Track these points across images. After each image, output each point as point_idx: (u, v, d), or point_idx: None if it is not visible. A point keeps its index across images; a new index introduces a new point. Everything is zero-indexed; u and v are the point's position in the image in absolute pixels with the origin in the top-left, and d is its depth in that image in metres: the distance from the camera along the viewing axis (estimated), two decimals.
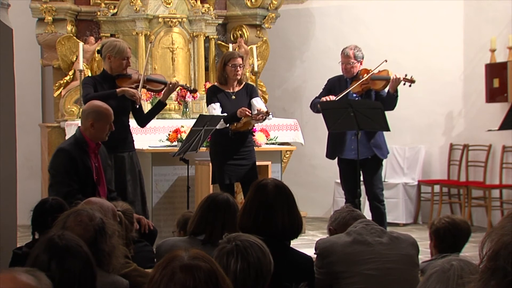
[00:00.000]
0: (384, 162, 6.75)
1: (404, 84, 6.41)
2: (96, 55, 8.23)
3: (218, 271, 1.98)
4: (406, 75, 6.39)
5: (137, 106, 6.00)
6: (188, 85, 6.79)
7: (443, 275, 2.06)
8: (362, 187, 6.55)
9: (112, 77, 5.91)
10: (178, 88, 6.86)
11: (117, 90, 5.81)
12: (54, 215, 3.08)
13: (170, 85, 6.19)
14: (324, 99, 6.45)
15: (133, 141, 5.99)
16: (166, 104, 6.31)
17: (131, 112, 6.05)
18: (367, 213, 6.81)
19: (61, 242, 2.43)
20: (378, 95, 6.49)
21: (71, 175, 4.89)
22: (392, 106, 6.48)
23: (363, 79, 6.47)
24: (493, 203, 8.51)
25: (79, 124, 5.21)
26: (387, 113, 6.24)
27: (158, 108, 6.23)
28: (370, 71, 6.51)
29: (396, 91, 6.42)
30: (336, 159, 6.68)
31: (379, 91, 6.49)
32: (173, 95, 8.32)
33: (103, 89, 5.84)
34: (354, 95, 6.53)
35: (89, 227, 2.90)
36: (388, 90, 6.42)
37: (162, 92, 6.25)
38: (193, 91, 6.98)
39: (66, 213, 2.99)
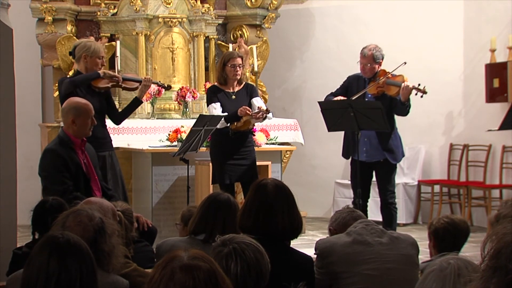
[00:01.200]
0: None
1: (416, 94, 6.30)
2: None
3: (217, 271, 1.98)
4: (419, 85, 6.27)
5: (122, 85, 6.08)
6: (162, 82, 6.83)
7: (440, 273, 2.06)
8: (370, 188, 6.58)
9: None
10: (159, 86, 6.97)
11: (100, 71, 5.88)
12: (54, 215, 3.08)
13: (145, 81, 6.21)
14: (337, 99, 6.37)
15: (111, 140, 6.02)
16: (142, 102, 6.33)
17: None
18: (371, 213, 6.80)
19: (62, 239, 2.43)
20: (393, 99, 6.42)
21: (63, 172, 4.91)
22: (403, 114, 6.42)
23: (379, 81, 6.42)
24: (493, 203, 8.50)
25: (61, 124, 5.23)
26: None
27: (134, 105, 6.24)
28: (388, 74, 6.45)
29: (408, 100, 6.32)
30: (350, 158, 6.64)
31: (393, 96, 6.41)
32: (173, 95, 8.32)
33: (79, 89, 5.83)
34: (370, 95, 6.48)
35: (89, 227, 2.89)
36: (400, 98, 6.34)
37: (139, 89, 6.25)
38: (167, 88, 6.99)
39: (65, 213, 2.99)
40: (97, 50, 5.93)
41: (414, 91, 6.28)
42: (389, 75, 6.44)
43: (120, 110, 6.45)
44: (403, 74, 6.45)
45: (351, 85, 6.58)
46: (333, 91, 6.67)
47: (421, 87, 6.26)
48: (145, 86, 6.22)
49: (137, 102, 6.22)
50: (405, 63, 6.40)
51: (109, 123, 6.18)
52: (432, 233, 3.99)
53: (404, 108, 6.36)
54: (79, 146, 5.06)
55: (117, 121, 6.24)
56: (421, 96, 6.31)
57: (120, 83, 6.07)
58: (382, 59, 6.58)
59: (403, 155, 6.65)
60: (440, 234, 3.96)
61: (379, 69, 6.53)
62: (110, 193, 5.19)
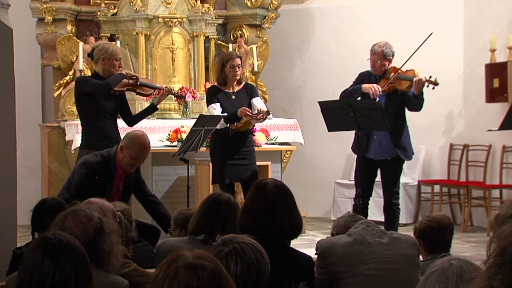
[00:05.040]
0: None
1: (428, 86, 6.27)
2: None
3: (222, 271, 1.99)
4: (430, 77, 6.25)
5: (136, 90, 6.23)
6: (177, 93, 6.95)
7: (442, 274, 2.05)
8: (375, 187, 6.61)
9: (104, 79, 6.00)
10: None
11: (123, 72, 6.06)
12: (53, 216, 3.08)
13: (166, 91, 6.35)
14: (372, 89, 6.32)
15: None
16: (157, 109, 6.44)
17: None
18: (371, 213, 6.79)
19: (54, 239, 2.43)
20: (405, 95, 6.40)
21: (82, 189, 4.94)
22: (417, 108, 6.39)
23: (390, 78, 6.40)
24: (493, 203, 8.51)
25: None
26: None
27: (150, 111, 6.37)
28: (398, 70, 6.42)
29: (421, 93, 6.29)
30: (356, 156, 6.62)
31: (404, 91, 6.39)
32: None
33: None
34: (381, 93, 6.46)
35: (88, 227, 2.89)
36: (413, 92, 6.30)
37: (158, 96, 6.40)
38: (181, 97, 7.12)
39: (63, 214, 2.98)
40: (114, 52, 6.02)
41: (426, 84, 6.27)
42: (400, 71, 6.43)
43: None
44: (414, 69, 6.43)
45: (363, 81, 6.54)
46: (347, 88, 6.60)
47: (432, 79, 6.25)
48: (164, 95, 6.35)
49: (153, 108, 6.33)
50: (432, 33, 6.41)
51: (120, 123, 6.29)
52: (419, 236, 4.00)
53: (418, 102, 6.33)
54: (120, 174, 5.12)
55: (130, 123, 6.34)
56: (433, 88, 6.29)
57: (136, 85, 6.19)
58: (393, 56, 6.54)
59: (413, 153, 6.62)
60: (426, 234, 3.98)
61: (390, 66, 6.51)
62: (152, 199, 5.45)
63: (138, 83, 6.21)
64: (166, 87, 6.48)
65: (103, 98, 5.91)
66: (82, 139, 6.08)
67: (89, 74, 8.17)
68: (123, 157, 5.08)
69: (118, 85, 6.03)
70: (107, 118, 5.95)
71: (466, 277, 1.97)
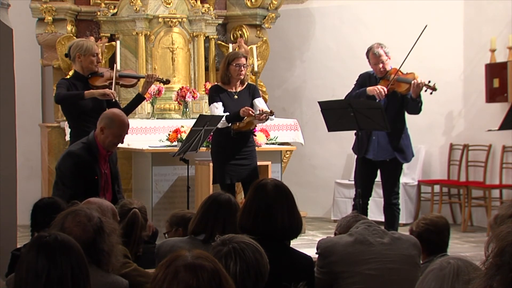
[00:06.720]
0: None
1: (426, 91, 6.28)
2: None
3: (221, 271, 1.99)
4: (429, 82, 6.25)
5: (114, 101, 6.01)
6: (161, 77, 6.88)
7: (439, 273, 2.05)
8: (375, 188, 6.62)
9: (85, 77, 5.95)
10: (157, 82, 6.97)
11: (85, 92, 5.80)
12: (51, 216, 3.07)
13: (148, 78, 6.27)
14: (376, 91, 6.30)
15: None
16: (145, 98, 6.38)
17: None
18: (371, 213, 6.79)
19: (49, 237, 2.43)
20: (404, 97, 6.40)
21: (77, 179, 4.91)
22: (415, 111, 6.40)
23: (390, 79, 6.40)
24: (493, 203, 8.51)
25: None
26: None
27: (137, 101, 6.28)
28: (399, 72, 6.43)
29: (419, 96, 6.30)
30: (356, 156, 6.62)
31: (403, 94, 6.39)
32: (173, 95, 8.33)
33: (76, 90, 5.87)
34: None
35: (88, 227, 2.89)
36: (411, 95, 6.32)
37: (143, 85, 6.33)
38: (166, 82, 7.01)
39: (63, 214, 2.98)
40: (89, 47, 5.93)
41: (424, 88, 6.28)
42: (400, 73, 6.43)
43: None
44: (414, 72, 6.44)
45: (364, 83, 6.53)
46: (350, 91, 6.57)
47: (431, 84, 6.25)
48: (148, 82, 6.28)
49: (140, 98, 6.26)
50: (426, 26, 6.43)
51: None
52: (416, 238, 3.99)
53: (416, 105, 6.34)
54: (104, 156, 5.09)
55: None
56: (431, 93, 6.30)
57: (113, 99, 6.06)
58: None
59: (413, 155, 6.61)
60: (424, 237, 3.96)
61: (391, 68, 6.51)
62: (119, 196, 5.23)
63: (114, 99, 6.00)
64: (148, 74, 6.42)
65: (84, 100, 5.80)
66: (70, 141, 6.00)
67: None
68: (105, 138, 5.02)
69: (99, 80, 5.96)
70: (93, 117, 5.85)
71: (464, 277, 1.97)
